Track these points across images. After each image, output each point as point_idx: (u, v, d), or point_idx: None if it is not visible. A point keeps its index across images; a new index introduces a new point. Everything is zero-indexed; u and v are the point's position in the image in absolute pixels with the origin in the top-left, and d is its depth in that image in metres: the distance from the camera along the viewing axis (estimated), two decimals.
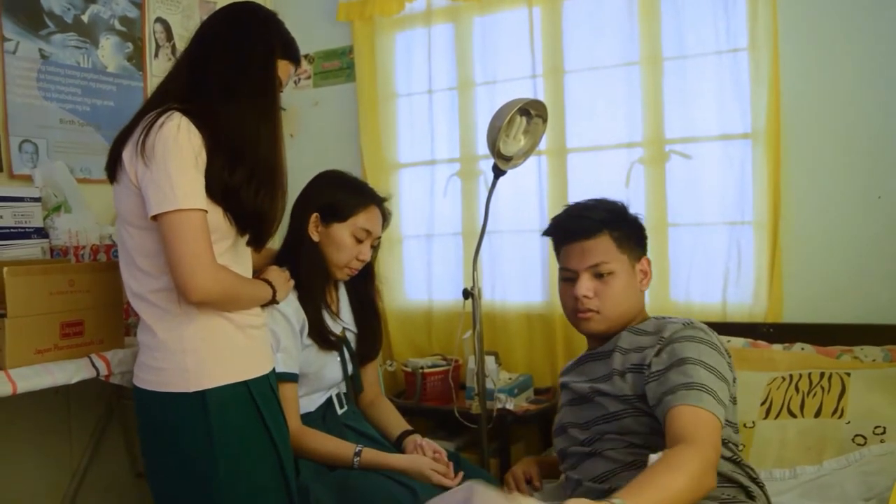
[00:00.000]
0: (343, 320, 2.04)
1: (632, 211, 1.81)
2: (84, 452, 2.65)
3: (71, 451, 2.64)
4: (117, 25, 2.84)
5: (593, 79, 2.79)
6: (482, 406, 2.21)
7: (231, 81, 1.56)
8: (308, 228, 1.95)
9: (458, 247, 3.05)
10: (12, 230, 2.26)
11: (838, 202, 2.43)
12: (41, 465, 2.56)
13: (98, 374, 1.92)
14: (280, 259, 1.96)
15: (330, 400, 2.00)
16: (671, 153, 2.63)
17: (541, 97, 2.75)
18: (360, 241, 1.96)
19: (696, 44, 2.60)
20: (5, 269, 1.77)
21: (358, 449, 1.85)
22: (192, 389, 1.54)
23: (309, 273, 1.94)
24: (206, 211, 1.49)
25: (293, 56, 1.68)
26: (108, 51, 2.81)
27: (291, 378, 1.86)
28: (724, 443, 1.55)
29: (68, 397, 2.58)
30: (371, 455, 1.85)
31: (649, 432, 1.57)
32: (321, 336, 1.94)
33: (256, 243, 1.65)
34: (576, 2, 2.80)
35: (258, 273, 1.79)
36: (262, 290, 1.71)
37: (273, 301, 1.76)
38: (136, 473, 2.78)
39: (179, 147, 1.45)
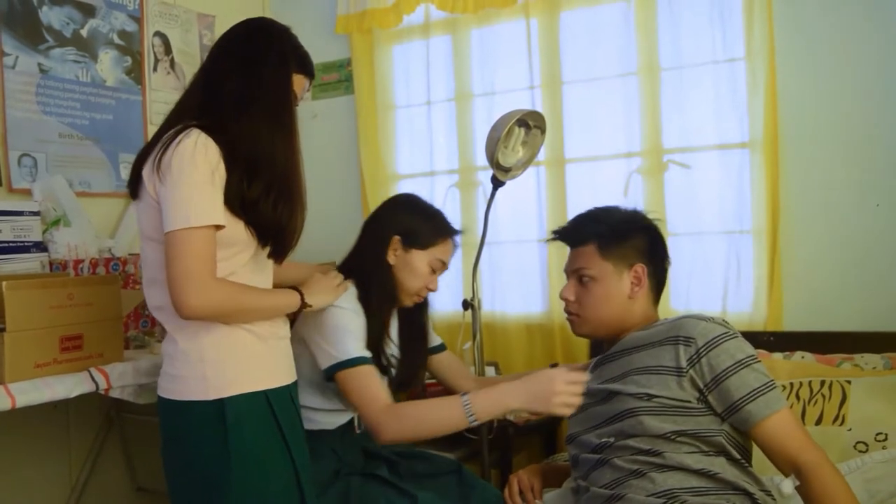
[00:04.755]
0: (393, 345, 2.01)
1: (642, 220, 1.79)
2: (83, 466, 2.65)
3: (70, 465, 2.64)
4: (116, 39, 2.84)
5: (591, 89, 2.81)
6: None
7: (246, 95, 1.56)
8: (387, 251, 1.92)
9: (457, 257, 2.97)
10: (11, 244, 2.26)
11: (837, 210, 2.43)
12: (41, 478, 2.55)
13: (97, 387, 1.92)
14: (346, 273, 1.90)
15: (351, 420, 1.96)
16: (669, 163, 2.64)
17: (539, 108, 2.76)
18: (433, 272, 1.95)
19: (692, 54, 2.61)
20: (4, 283, 1.77)
21: (465, 400, 1.66)
22: (210, 398, 1.53)
23: (380, 296, 1.90)
24: (222, 226, 1.48)
25: (308, 70, 1.69)
26: (107, 65, 2.82)
27: (371, 361, 1.80)
28: (737, 446, 1.57)
29: (67, 411, 2.58)
30: (482, 398, 1.67)
31: (659, 434, 1.57)
32: (377, 359, 1.88)
33: (277, 256, 1.64)
34: (573, 13, 2.82)
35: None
36: (280, 298, 1.67)
37: (304, 306, 1.71)
38: (135, 487, 2.77)
39: (195, 164, 1.45)
